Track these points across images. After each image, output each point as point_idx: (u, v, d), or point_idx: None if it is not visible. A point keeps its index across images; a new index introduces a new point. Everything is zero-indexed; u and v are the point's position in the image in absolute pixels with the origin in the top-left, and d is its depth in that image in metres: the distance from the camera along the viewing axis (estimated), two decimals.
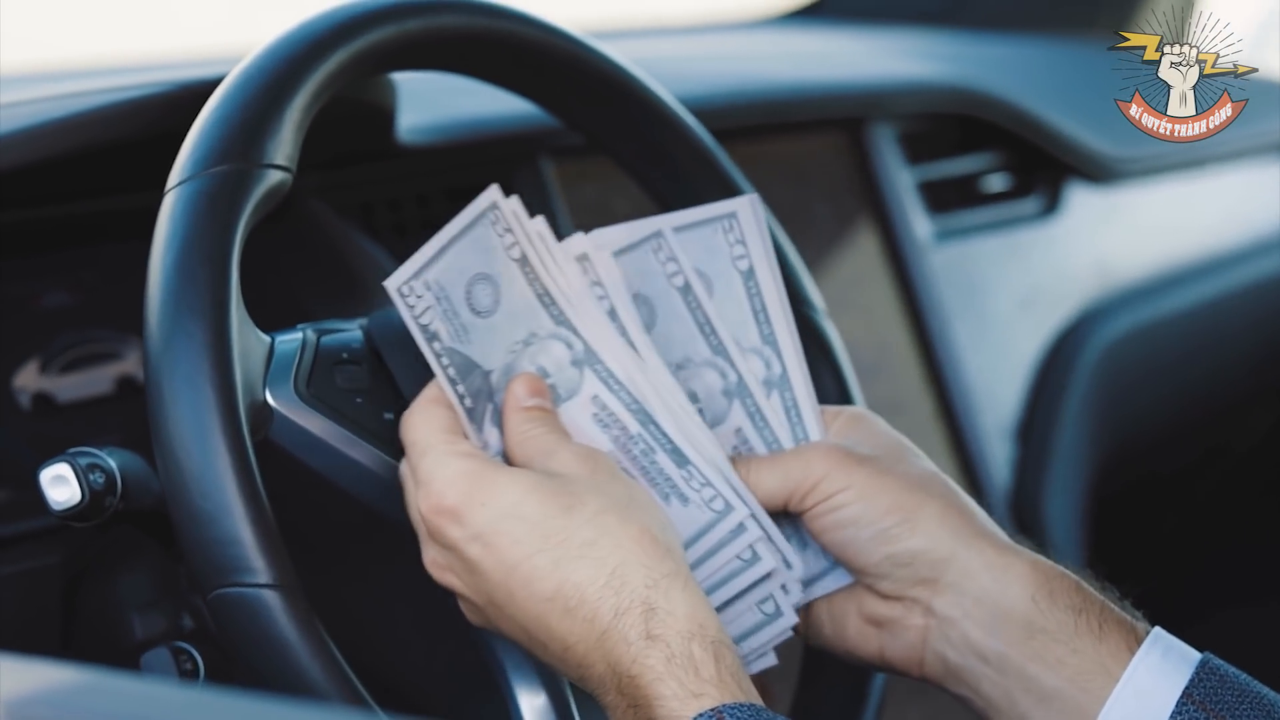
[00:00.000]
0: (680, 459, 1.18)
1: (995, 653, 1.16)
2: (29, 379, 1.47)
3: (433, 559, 1.15)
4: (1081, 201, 2.40)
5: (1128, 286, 2.40)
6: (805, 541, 1.23)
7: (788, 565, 1.21)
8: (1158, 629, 1.15)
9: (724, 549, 1.18)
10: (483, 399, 1.17)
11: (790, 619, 1.20)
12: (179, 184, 1.18)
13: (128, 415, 1.49)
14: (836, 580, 1.23)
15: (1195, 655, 1.14)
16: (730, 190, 1.42)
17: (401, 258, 1.61)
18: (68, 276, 1.51)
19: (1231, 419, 2.64)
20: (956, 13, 2.76)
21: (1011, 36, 2.68)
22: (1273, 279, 2.59)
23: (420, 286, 1.15)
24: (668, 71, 1.92)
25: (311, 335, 1.23)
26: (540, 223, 1.21)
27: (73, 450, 1.18)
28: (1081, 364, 2.26)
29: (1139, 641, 1.14)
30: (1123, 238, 2.44)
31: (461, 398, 1.16)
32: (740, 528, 1.18)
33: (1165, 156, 2.50)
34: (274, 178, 1.20)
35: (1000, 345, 2.24)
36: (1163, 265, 2.47)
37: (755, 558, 1.19)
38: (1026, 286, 2.29)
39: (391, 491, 1.20)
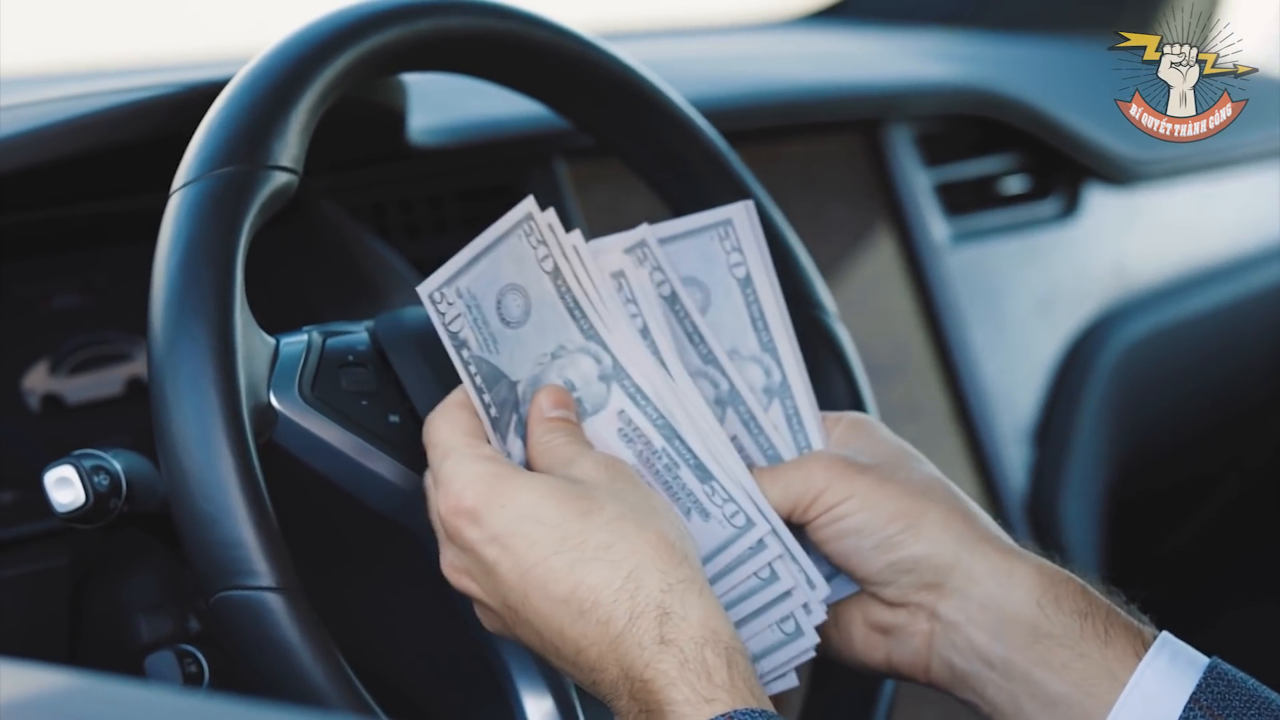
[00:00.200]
0: (704, 474, 1.18)
1: (1000, 658, 1.16)
2: (38, 380, 1.48)
3: (450, 561, 1.15)
4: (1100, 203, 2.39)
5: (1147, 289, 2.39)
6: (808, 550, 1.22)
7: (810, 585, 1.20)
8: (1165, 633, 1.15)
9: (743, 565, 1.18)
10: (508, 409, 1.17)
11: (811, 639, 1.20)
12: (184, 185, 1.18)
13: (137, 417, 1.48)
14: (842, 589, 1.23)
15: (1203, 660, 1.13)
16: (740, 192, 1.41)
17: (414, 259, 1.62)
18: (78, 278, 1.51)
19: (1251, 423, 2.63)
20: (980, 13, 2.75)
21: (1034, 38, 2.67)
22: None
23: (452, 294, 1.15)
24: (685, 72, 1.92)
25: (317, 337, 1.23)
26: (576, 236, 1.21)
27: (77, 452, 1.18)
28: (1100, 367, 2.26)
29: (1146, 646, 1.14)
30: (1142, 240, 2.43)
31: (487, 406, 1.15)
32: (760, 544, 1.18)
33: (1185, 158, 2.49)
34: (279, 179, 1.20)
35: (1017, 348, 2.24)
36: (1182, 268, 2.46)
37: (774, 576, 1.18)
38: (1044, 289, 2.29)
39: (397, 495, 1.20)
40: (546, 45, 1.35)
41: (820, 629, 1.21)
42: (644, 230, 1.24)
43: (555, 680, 1.25)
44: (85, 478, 1.17)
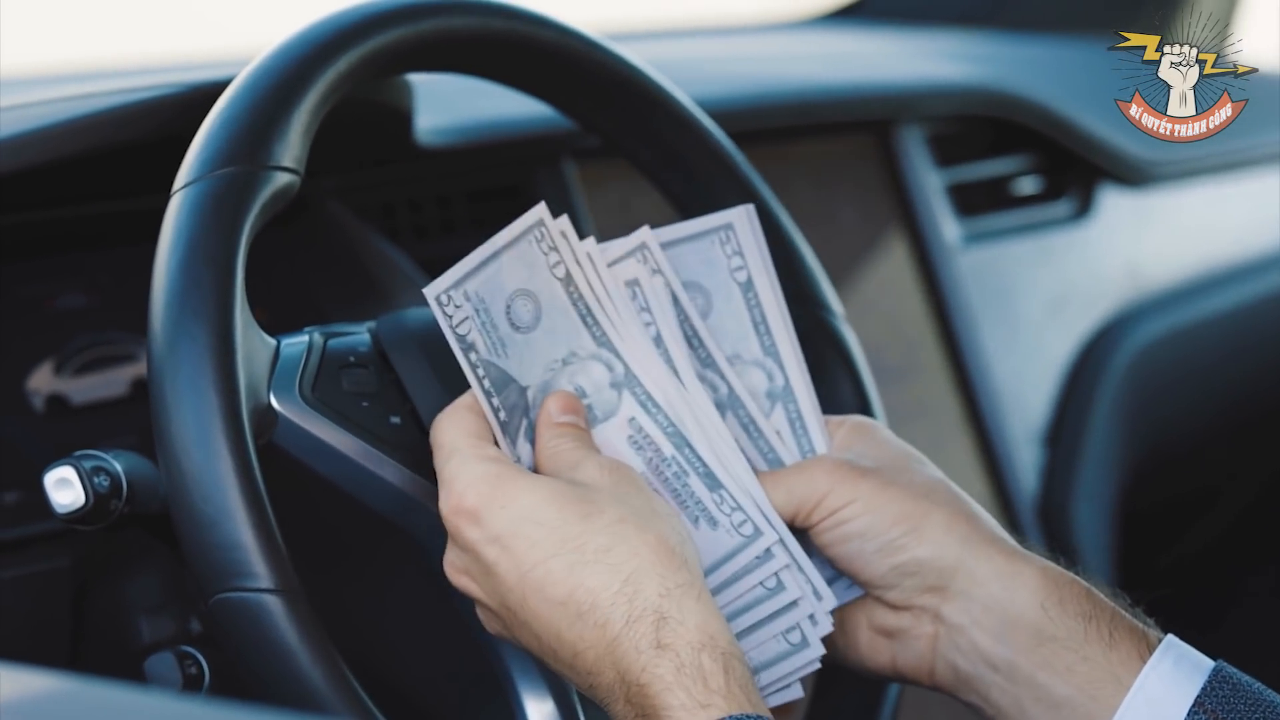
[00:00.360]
0: (713, 483, 1.18)
1: (1005, 660, 1.16)
2: (43, 381, 1.48)
3: (451, 561, 1.15)
4: (1114, 204, 2.38)
5: (1161, 290, 2.38)
6: (810, 554, 1.22)
7: (817, 596, 1.20)
8: (1170, 636, 1.14)
9: (750, 574, 1.18)
10: (518, 414, 1.16)
11: (817, 650, 1.19)
12: (185, 186, 1.18)
13: (142, 418, 1.47)
14: (845, 593, 1.22)
15: (1209, 663, 1.13)
16: (745, 192, 1.41)
17: (422, 260, 1.62)
18: (83, 278, 1.51)
19: (1266, 425, 2.62)
20: (998, 13, 2.74)
21: (1051, 38, 2.67)
22: None
23: (460, 296, 1.14)
24: (697, 73, 1.92)
25: (318, 338, 1.22)
26: (590, 243, 1.20)
27: (78, 453, 1.18)
28: (1112, 369, 2.25)
29: (1150, 649, 1.13)
30: (1156, 241, 2.42)
31: (496, 411, 1.15)
32: (768, 554, 1.17)
33: (1200, 159, 2.48)
34: (281, 180, 1.20)
35: (1030, 349, 2.23)
36: (1196, 269, 2.45)
37: (781, 586, 1.18)
38: (1057, 290, 2.28)
39: (397, 496, 1.20)
40: (550, 45, 1.35)
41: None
42: (645, 233, 1.23)
43: (556, 683, 1.25)
44: (85, 479, 1.16)
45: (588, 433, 1.18)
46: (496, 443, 1.15)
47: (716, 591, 1.16)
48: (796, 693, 1.20)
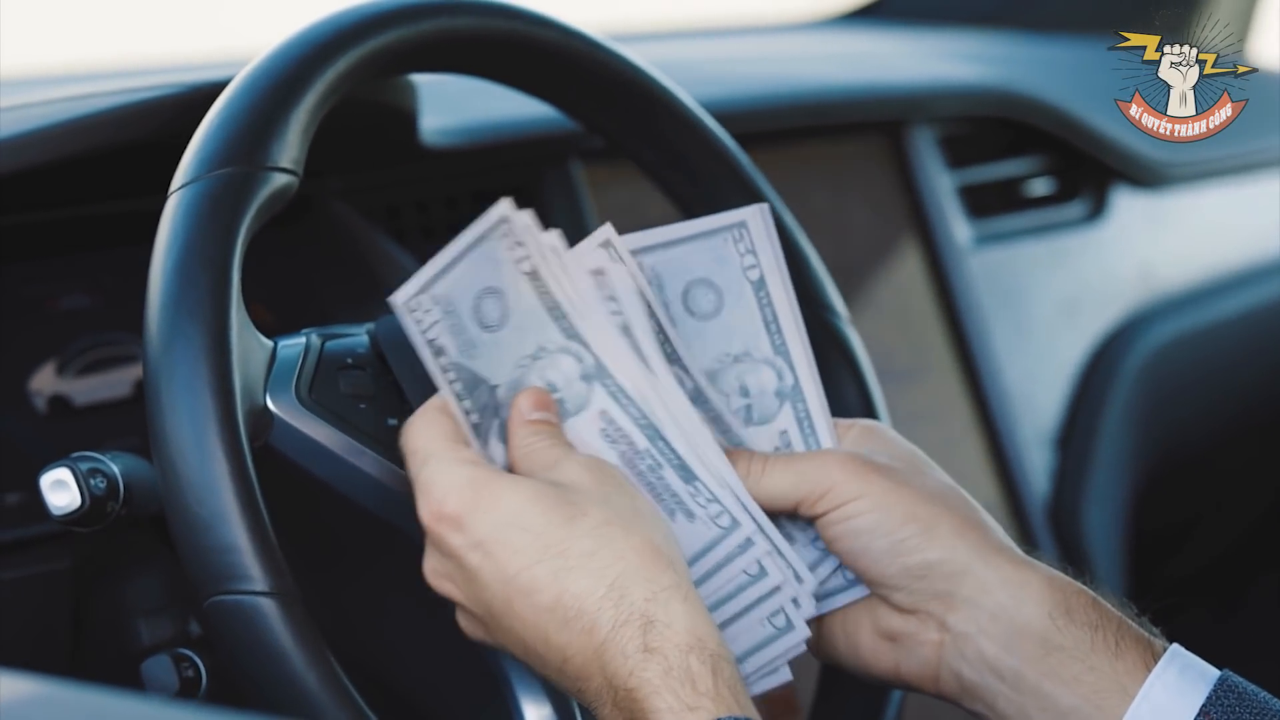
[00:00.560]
0: (688, 475, 1.17)
1: (1011, 669, 1.15)
2: (46, 381, 1.47)
3: (433, 568, 1.14)
4: (1127, 206, 2.37)
5: (1174, 293, 2.38)
6: (824, 553, 1.21)
7: (798, 579, 1.19)
8: (1175, 646, 1.13)
9: (730, 564, 1.17)
10: (489, 414, 1.15)
11: (802, 632, 1.19)
12: (182, 186, 1.18)
13: (145, 419, 1.48)
14: (852, 594, 1.21)
15: (1214, 672, 1.12)
16: (749, 193, 1.40)
17: (426, 261, 1.61)
18: (86, 279, 1.51)
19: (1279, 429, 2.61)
20: (1015, 13, 2.74)
21: (1068, 38, 2.66)
22: None
23: (428, 301, 1.13)
24: (708, 73, 1.92)
25: (315, 340, 1.22)
26: (554, 236, 1.19)
27: (75, 455, 1.18)
28: (1124, 371, 2.24)
29: (1156, 658, 1.12)
30: (1169, 243, 2.42)
31: (468, 413, 1.14)
32: (748, 542, 1.17)
33: (1213, 161, 2.48)
34: (278, 180, 1.20)
35: (1041, 352, 2.23)
36: (1210, 271, 2.44)
37: (762, 572, 1.17)
38: (1069, 292, 2.27)
39: (394, 498, 1.19)
40: (551, 45, 1.34)
41: (828, 637, 1.21)
42: (608, 230, 1.21)
43: (554, 685, 1.24)
44: (81, 480, 1.16)
45: (561, 430, 1.16)
46: (469, 443, 1.14)
47: (699, 583, 1.15)
48: (785, 676, 1.19)
